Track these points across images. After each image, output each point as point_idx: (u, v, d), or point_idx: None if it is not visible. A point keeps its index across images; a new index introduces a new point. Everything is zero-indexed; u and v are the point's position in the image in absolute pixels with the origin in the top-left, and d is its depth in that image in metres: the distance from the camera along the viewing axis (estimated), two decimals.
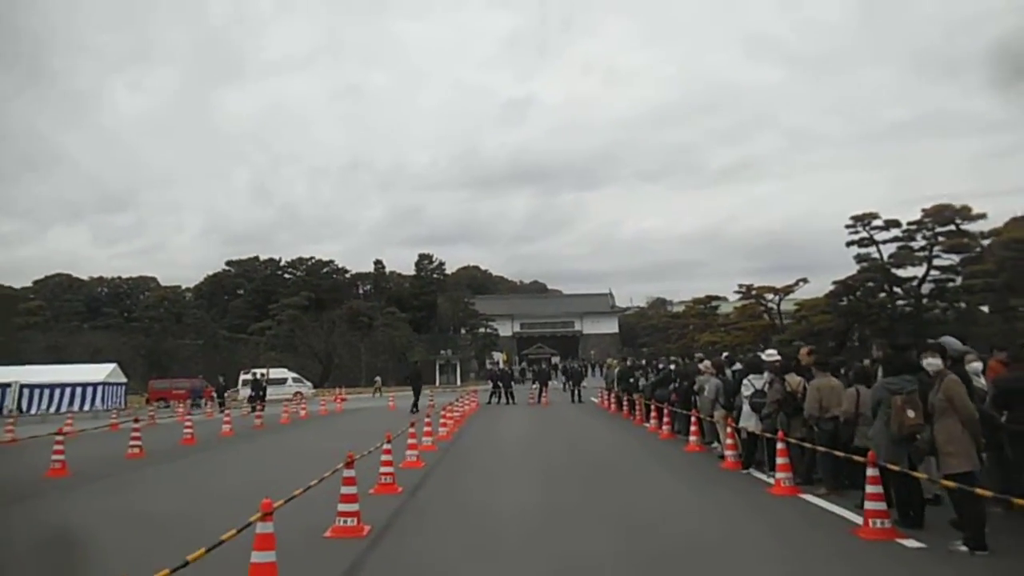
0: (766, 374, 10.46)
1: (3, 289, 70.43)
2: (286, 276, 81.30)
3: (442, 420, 17.94)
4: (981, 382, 7.76)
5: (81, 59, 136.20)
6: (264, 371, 39.47)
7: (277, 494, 6.06)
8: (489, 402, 31.36)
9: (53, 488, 10.95)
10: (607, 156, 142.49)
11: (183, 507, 9.29)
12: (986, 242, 36.23)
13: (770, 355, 11.57)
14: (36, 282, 76.54)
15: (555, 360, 68.95)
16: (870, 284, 40.66)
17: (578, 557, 6.49)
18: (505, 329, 76.46)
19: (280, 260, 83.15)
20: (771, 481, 9.57)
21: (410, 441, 12.51)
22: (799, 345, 34.66)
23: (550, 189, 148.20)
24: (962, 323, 32.73)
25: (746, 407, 10.76)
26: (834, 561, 6.18)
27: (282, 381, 43.70)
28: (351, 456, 7.59)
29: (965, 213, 36.98)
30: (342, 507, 7.36)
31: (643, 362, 26.65)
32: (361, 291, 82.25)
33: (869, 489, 6.81)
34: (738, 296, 53.28)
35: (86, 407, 34.94)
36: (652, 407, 18.06)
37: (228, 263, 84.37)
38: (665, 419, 16.42)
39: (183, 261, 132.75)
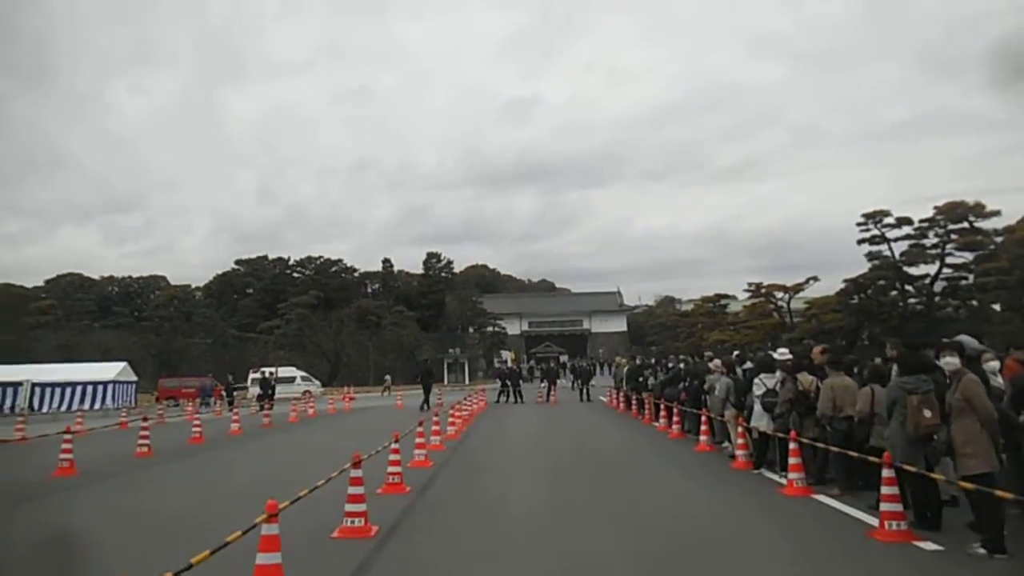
0: (778, 373, 10.33)
1: (15, 288, 71.05)
2: (295, 275, 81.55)
3: (450, 419, 17.87)
4: (998, 381, 7.61)
5: (90, 62, 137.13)
6: (273, 370, 39.55)
7: (285, 493, 6.01)
8: (497, 401, 31.29)
9: (61, 487, 10.94)
10: (612, 154, 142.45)
11: (190, 506, 9.27)
12: (999, 239, 35.81)
13: (782, 354, 11.45)
14: (47, 281, 77.19)
15: (563, 359, 68.84)
16: (881, 282, 40.30)
17: (587, 557, 6.41)
18: (513, 328, 76.40)
19: (289, 259, 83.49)
20: (783, 481, 9.45)
21: (418, 440, 12.45)
22: (809, 344, 34.48)
23: (556, 187, 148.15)
24: (975, 321, 32.37)
25: (757, 406, 10.63)
26: (850, 563, 6.06)
27: (291, 380, 43.76)
28: (357, 456, 7.52)
29: (979, 210, 36.56)
30: (349, 507, 7.30)
31: (652, 361, 26.48)
32: (369, 290, 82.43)
33: (885, 490, 6.68)
34: (747, 294, 52.95)
35: (96, 406, 35.04)
36: (661, 406, 17.93)
37: (237, 262, 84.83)
38: (675, 418, 16.29)
39: (193, 260, 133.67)
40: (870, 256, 40.59)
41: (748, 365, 13.01)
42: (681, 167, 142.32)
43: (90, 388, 35.83)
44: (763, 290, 50.44)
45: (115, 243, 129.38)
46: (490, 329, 69.89)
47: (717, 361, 14.43)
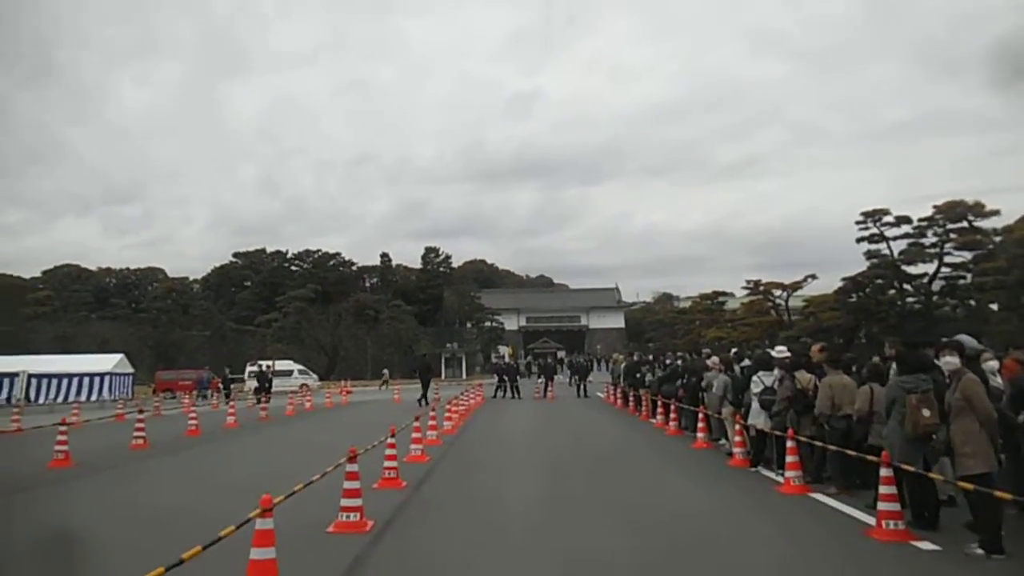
0: (776, 371, 10.29)
1: (12, 279, 70.86)
2: (293, 268, 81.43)
3: (447, 414, 17.84)
4: (997, 381, 7.58)
5: (89, 53, 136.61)
6: (270, 363, 39.52)
7: (280, 487, 5.96)
8: (495, 396, 31.29)
9: (55, 479, 10.89)
10: (612, 151, 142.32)
11: (185, 500, 9.22)
12: (998, 239, 35.80)
13: (780, 352, 11.42)
14: (45, 272, 76.99)
15: (561, 354, 68.87)
16: (880, 281, 40.31)
17: (584, 554, 6.37)
18: (511, 323, 76.36)
19: (287, 252, 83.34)
20: (780, 479, 9.43)
21: (414, 435, 12.41)
22: (807, 341, 34.53)
23: (555, 183, 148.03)
24: (972, 321, 32.38)
25: (755, 404, 10.60)
26: (847, 563, 6.03)
27: (288, 373, 43.70)
28: (353, 451, 7.48)
29: (978, 210, 36.54)
30: (345, 502, 7.26)
31: (650, 357, 26.48)
32: (367, 284, 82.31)
33: (883, 490, 6.65)
34: (745, 292, 52.95)
35: (93, 397, 35.00)
36: (659, 403, 17.92)
37: (235, 255, 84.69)
38: (672, 415, 16.28)
39: (191, 253, 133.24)
40: (869, 255, 40.60)
41: (746, 363, 12.98)
42: (681, 164, 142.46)
43: (87, 380, 35.78)
44: (761, 288, 50.45)
45: (113, 235, 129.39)
46: (488, 324, 69.84)
47: (715, 358, 14.42)
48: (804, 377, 9.67)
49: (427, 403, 24.66)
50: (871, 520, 7.00)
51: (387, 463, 9.74)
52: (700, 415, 13.87)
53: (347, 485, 7.30)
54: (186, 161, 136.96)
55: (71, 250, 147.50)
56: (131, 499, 9.41)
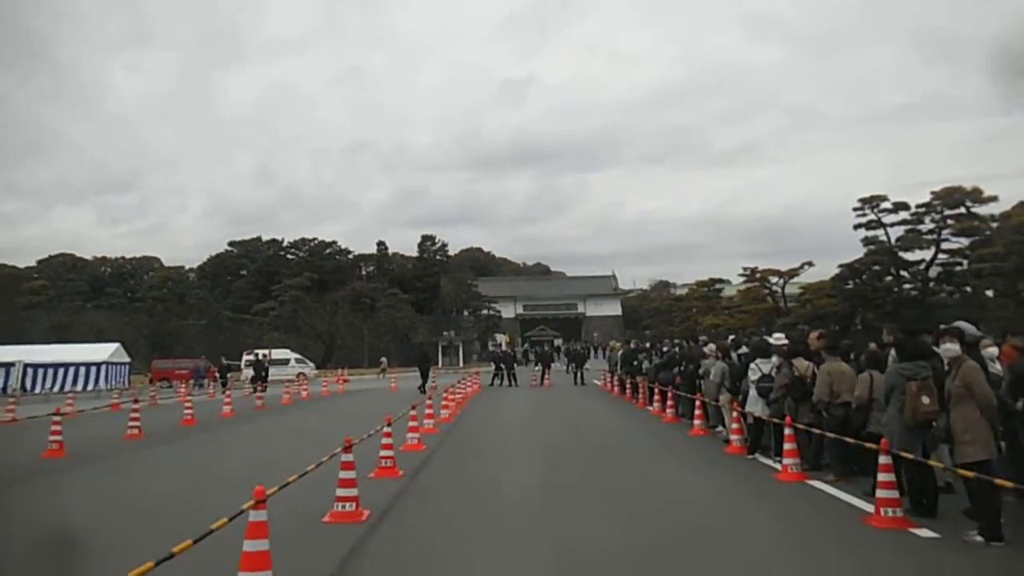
0: (774, 358, 10.25)
1: (7, 268, 70.50)
2: (289, 257, 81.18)
3: (444, 402, 17.80)
4: (997, 368, 7.53)
5: (83, 42, 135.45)
6: (266, 352, 39.43)
7: (275, 477, 5.92)
8: (492, 384, 31.29)
9: (49, 469, 10.83)
10: (609, 137, 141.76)
11: (179, 490, 9.16)
12: (996, 225, 35.79)
13: (778, 339, 11.38)
14: (40, 261, 76.65)
15: (558, 342, 68.89)
16: (876, 267, 40.32)
17: (580, 542, 6.34)
18: (508, 311, 76.28)
19: (283, 241, 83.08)
20: (777, 467, 9.41)
21: (411, 424, 12.36)
22: (803, 328, 34.53)
23: (552, 170, 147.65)
24: (968, 307, 32.42)
25: (753, 391, 10.57)
26: (846, 551, 6.00)
27: (285, 362, 43.66)
28: (349, 440, 7.43)
29: (976, 196, 36.52)
30: (340, 492, 7.21)
31: (647, 345, 26.46)
32: (364, 272, 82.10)
33: (882, 477, 6.62)
34: (742, 279, 52.97)
35: (90, 386, 34.97)
36: (656, 390, 17.90)
37: (231, 244, 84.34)
38: (669, 402, 16.26)
39: (186, 241, 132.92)
40: (866, 241, 40.61)
41: (743, 350, 12.94)
42: (678, 151, 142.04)
43: (83, 369, 35.74)
44: (758, 275, 50.47)
45: (108, 224, 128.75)
46: (485, 312, 69.82)
47: (712, 346, 14.38)
48: (802, 364, 9.63)
49: (423, 390, 24.64)
50: (869, 507, 6.97)
51: (383, 452, 9.69)
52: (697, 402, 13.85)
53: (343, 475, 7.25)
54: (181, 149, 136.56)
55: (66, 239, 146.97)
56: (125, 490, 9.34)
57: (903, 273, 40.18)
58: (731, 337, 17.63)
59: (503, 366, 32.43)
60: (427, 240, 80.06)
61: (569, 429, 15.31)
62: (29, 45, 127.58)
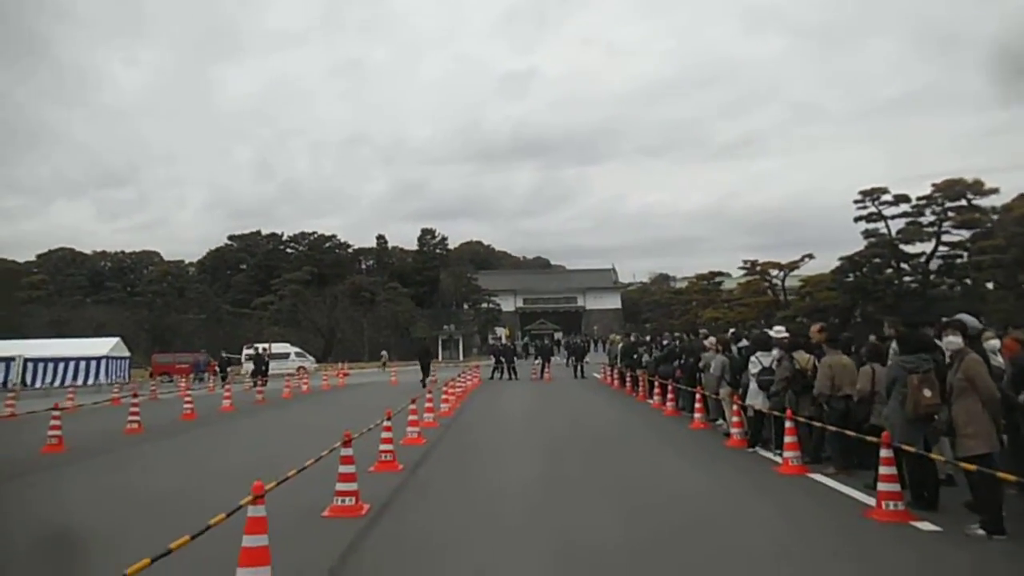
0: (775, 351, 10.21)
1: (6, 263, 70.44)
2: (288, 251, 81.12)
3: (444, 396, 17.78)
4: (998, 360, 7.51)
5: (81, 36, 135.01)
6: (266, 346, 39.40)
7: (275, 472, 5.89)
8: (491, 377, 31.27)
9: (48, 464, 10.81)
10: (609, 130, 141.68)
11: (178, 485, 9.13)
12: (996, 217, 35.72)
13: (778, 332, 11.34)
14: (39, 256, 76.50)
15: (558, 336, 68.85)
16: (877, 260, 40.27)
17: (581, 537, 6.32)
18: (508, 304, 76.24)
19: (283, 235, 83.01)
20: (778, 460, 9.39)
21: (411, 418, 12.34)
22: (803, 321, 34.50)
23: (552, 163, 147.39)
24: (969, 300, 32.38)
25: (753, 384, 10.54)
26: (848, 544, 5.98)
27: (285, 356, 43.63)
28: (348, 435, 7.40)
29: (977, 188, 36.44)
30: (340, 486, 7.19)
31: (647, 338, 26.44)
32: (363, 266, 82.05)
33: (883, 470, 6.59)
34: (742, 272, 52.92)
35: (90, 381, 34.93)
36: (656, 383, 17.88)
37: (230, 238, 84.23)
38: (669, 396, 16.24)
39: (186, 236, 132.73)
40: (866, 234, 40.57)
41: (744, 343, 12.91)
42: (678, 144, 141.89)
43: (83, 364, 35.69)
44: (758, 268, 50.41)
45: (108, 218, 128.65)
46: (485, 306, 69.75)
47: (712, 339, 14.35)
48: (803, 357, 9.60)
49: (425, 384, 24.62)
50: (870, 501, 6.95)
51: (383, 446, 9.67)
52: (697, 396, 13.83)
53: (342, 469, 7.23)
54: (180, 143, 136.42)
55: (66, 234, 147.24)
56: (124, 484, 9.32)
57: (903, 266, 40.14)
58: (731, 330, 17.58)
59: (503, 359, 32.39)
60: (427, 233, 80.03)
61: (569, 422, 15.29)
62: (28, 40, 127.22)
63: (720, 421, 13.20)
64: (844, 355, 8.92)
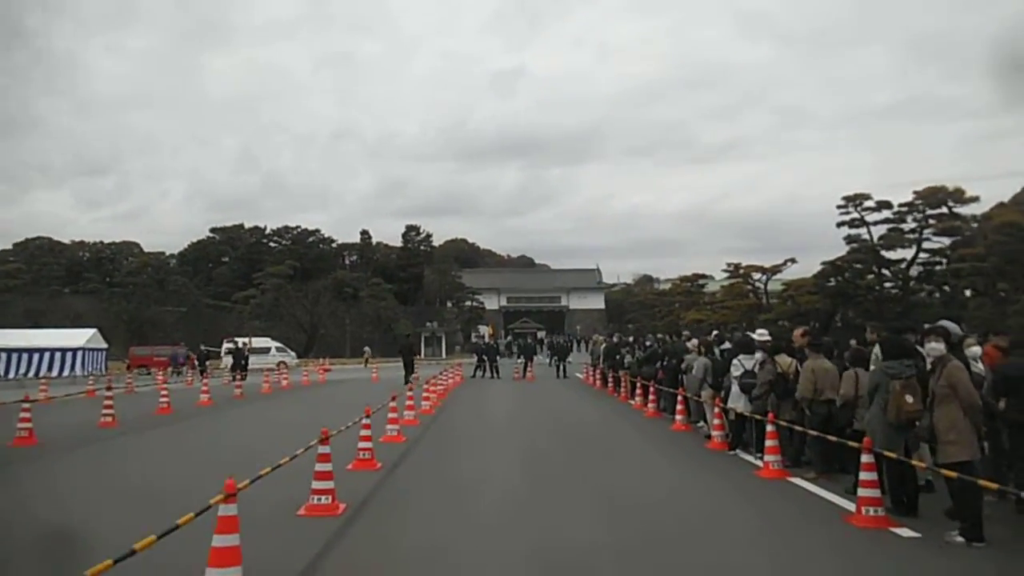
0: (758, 354, 10.19)
1: None
2: (271, 245, 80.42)
3: (425, 394, 17.65)
4: (979, 367, 7.53)
5: (63, 21, 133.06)
6: (246, 340, 39.02)
7: (250, 468, 5.77)
8: (474, 376, 31.17)
9: (18, 458, 10.55)
10: (595, 131, 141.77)
11: (150, 481, 8.95)
12: (976, 225, 36.16)
13: (761, 335, 11.34)
14: (16, 245, 75.23)
15: (541, 335, 68.86)
16: (858, 265, 40.57)
17: (559, 539, 6.26)
18: (491, 303, 76.15)
19: (265, 228, 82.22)
20: (758, 463, 9.37)
21: (391, 415, 12.21)
22: (784, 325, 34.69)
23: (538, 162, 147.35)
24: (948, 306, 32.75)
25: (735, 387, 10.52)
26: (827, 550, 5.95)
27: (265, 350, 43.26)
28: (326, 432, 7.27)
29: (958, 196, 36.84)
30: (316, 484, 7.06)
31: (630, 339, 26.46)
32: (347, 262, 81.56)
33: (864, 476, 6.56)
34: (725, 275, 53.18)
35: (65, 372, 34.42)
36: (638, 384, 17.86)
37: (213, 230, 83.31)
38: (651, 397, 16.22)
39: (167, 227, 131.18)
40: (849, 239, 40.84)
41: (726, 345, 12.91)
42: (664, 146, 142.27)
43: (59, 355, 35.15)
44: (741, 271, 50.67)
45: (87, 207, 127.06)
46: (468, 304, 69.61)
47: (695, 341, 14.33)
48: (785, 361, 9.59)
49: (410, 382, 24.40)
50: (850, 506, 6.94)
51: (362, 444, 9.54)
52: (679, 397, 13.81)
53: (319, 467, 7.10)
54: (163, 133, 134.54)
55: (44, 222, 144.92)
56: (95, 480, 9.13)
57: (884, 271, 40.50)
58: (714, 332, 17.60)
59: (485, 358, 32.29)
60: (411, 230, 79.69)
61: (551, 422, 15.23)
62: (7, 26, 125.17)
63: (701, 423, 13.18)
64: (826, 359, 8.91)
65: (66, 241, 79.91)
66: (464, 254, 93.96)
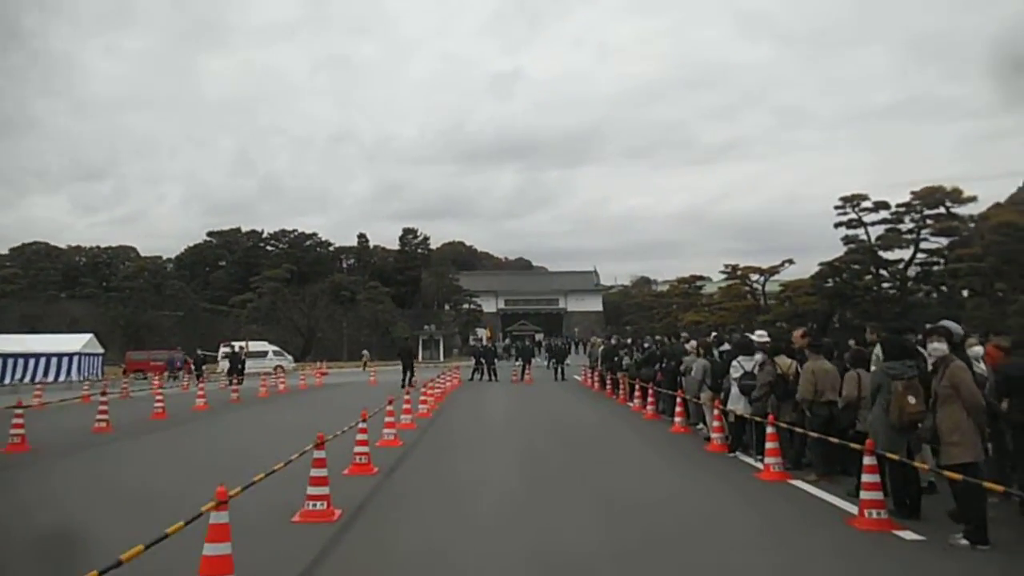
0: (758, 355, 10.11)
1: None
2: (268, 248, 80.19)
3: (422, 397, 17.55)
4: (981, 368, 7.45)
5: (60, 22, 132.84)
6: (243, 344, 38.87)
7: (244, 474, 5.69)
8: (471, 379, 31.06)
9: (9, 465, 10.44)
10: (593, 133, 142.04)
11: (143, 488, 8.81)
12: (973, 225, 36.12)
13: (760, 336, 11.26)
14: (12, 249, 74.95)
15: (539, 337, 68.78)
16: (856, 266, 40.48)
17: (558, 542, 6.17)
18: (489, 305, 76.04)
19: (263, 232, 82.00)
20: (759, 465, 9.29)
21: (387, 419, 12.10)
22: (783, 326, 34.62)
23: (536, 165, 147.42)
24: (945, 307, 32.68)
25: (734, 389, 10.45)
26: (829, 552, 5.87)
27: (262, 354, 43.08)
28: (321, 436, 7.17)
29: (956, 196, 36.76)
30: (311, 490, 6.95)
31: (628, 341, 26.37)
32: (344, 265, 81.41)
33: (866, 478, 6.48)
34: (723, 276, 53.08)
35: (61, 377, 34.26)
36: (636, 387, 17.78)
37: (210, 234, 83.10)
38: (649, 399, 16.14)
39: (164, 231, 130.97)
40: (846, 240, 40.75)
41: (725, 347, 12.84)
42: (662, 147, 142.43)
43: (55, 360, 34.99)
44: (739, 272, 50.59)
45: (84, 212, 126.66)
46: (466, 306, 69.48)
47: (694, 342, 14.26)
48: (784, 362, 9.52)
49: (411, 385, 24.29)
50: (852, 508, 6.86)
51: (358, 448, 9.44)
52: (678, 399, 13.73)
53: (314, 472, 7.00)
54: (160, 137, 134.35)
55: (40, 227, 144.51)
56: (87, 486, 9.01)
57: (882, 272, 40.42)
58: (713, 334, 17.53)
59: (483, 361, 32.18)
60: (409, 233, 79.57)
61: (549, 425, 15.13)
62: (4, 29, 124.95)
63: (700, 425, 13.10)
64: (826, 361, 8.83)
65: (63, 246, 79.66)
66: (462, 257, 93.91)
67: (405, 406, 14.51)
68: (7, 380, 32.97)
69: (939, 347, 6.20)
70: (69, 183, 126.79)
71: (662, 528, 6.68)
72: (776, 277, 48.92)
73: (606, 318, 78.89)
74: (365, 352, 50.98)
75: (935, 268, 38.20)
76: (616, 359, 22.25)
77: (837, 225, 40.88)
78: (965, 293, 35.47)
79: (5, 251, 74.70)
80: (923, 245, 38.55)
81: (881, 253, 39.85)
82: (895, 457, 6.46)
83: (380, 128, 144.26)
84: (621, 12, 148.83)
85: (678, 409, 13.69)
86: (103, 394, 15.83)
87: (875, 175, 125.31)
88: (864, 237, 40.35)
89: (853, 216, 40.40)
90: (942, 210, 37.49)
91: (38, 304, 58.10)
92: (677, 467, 10.00)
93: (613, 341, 27.34)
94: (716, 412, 11.42)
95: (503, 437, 13.38)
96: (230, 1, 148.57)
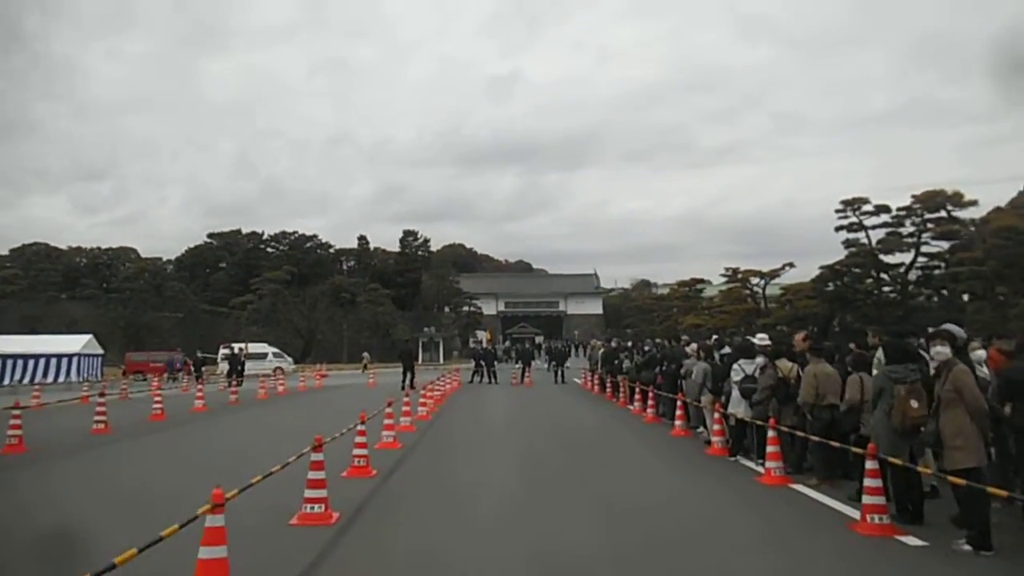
0: (759, 359, 10.06)
1: None
2: (269, 250, 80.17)
3: (421, 399, 17.50)
4: (984, 371, 7.40)
5: (62, 26, 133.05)
6: (242, 346, 38.81)
7: (241, 477, 5.64)
8: (471, 381, 31.02)
9: (5, 466, 10.39)
10: (594, 135, 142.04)
11: (139, 490, 8.75)
12: (973, 229, 36.10)
13: (762, 339, 11.22)
14: (12, 250, 74.91)
15: (539, 340, 68.73)
16: (857, 270, 40.47)
17: (558, 545, 6.13)
18: (489, 308, 76.01)
19: (263, 234, 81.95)
20: (760, 469, 9.24)
21: (386, 421, 12.05)
22: (783, 329, 34.56)
23: (536, 168, 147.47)
24: (946, 311, 32.63)
25: (735, 392, 10.39)
26: (831, 557, 5.83)
27: (262, 356, 43.02)
28: (319, 439, 7.12)
29: (957, 200, 36.77)
30: (309, 493, 6.90)
31: (628, 344, 26.33)
32: (344, 267, 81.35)
33: (868, 482, 6.43)
34: (723, 279, 53.07)
35: (61, 379, 34.21)
36: (636, 389, 17.73)
37: (210, 235, 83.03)
38: (650, 402, 16.08)
39: (164, 233, 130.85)
40: (847, 243, 40.74)
41: (726, 350, 12.79)
42: (662, 150, 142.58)
43: (55, 361, 34.95)
44: (739, 275, 50.57)
45: (84, 213, 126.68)
46: (466, 309, 69.42)
47: (694, 345, 14.21)
48: (785, 366, 9.47)
49: (412, 387, 24.24)
50: (853, 513, 6.81)
51: (356, 451, 9.38)
52: (679, 402, 13.68)
53: (312, 475, 6.95)
54: (160, 139, 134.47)
55: (40, 228, 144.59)
56: (83, 488, 8.95)
57: (883, 276, 40.39)
58: (714, 337, 17.48)
59: (483, 363, 32.14)
60: (409, 235, 79.50)
61: (549, 428, 15.08)
62: (4, 29, 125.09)
63: (701, 429, 13.05)
64: (828, 364, 8.78)
65: (63, 247, 79.61)
66: (462, 259, 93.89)
67: (404, 408, 14.46)
68: (6, 381, 32.92)
69: (942, 351, 6.15)
70: (70, 184, 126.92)
71: (662, 532, 6.64)
72: (776, 280, 48.93)
73: (606, 321, 78.86)
74: (365, 354, 50.92)
75: (936, 272, 38.19)
76: (616, 362, 22.20)
77: (838, 228, 40.93)
78: (966, 297, 35.44)
79: (5, 252, 74.75)
80: (924, 249, 38.58)
81: (882, 257, 39.84)
82: (897, 461, 6.41)
83: (379, 130, 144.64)
84: (621, 15, 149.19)
85: (678, 412, 13.63)
86: (102, 395, 15.78)
87: (875, 179, 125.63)
88: (865, 241, 40.37)
89: (854, 219, 40.41)
90: (943, 214, 37.49)
91: (38, 305, 58.03)
92: (677, 470, 9.95)
93: (613, 344, 27.29)
94: (717, 415, 11.37)
95: (503, 440, 13.33)
96: (230, 4, 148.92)
